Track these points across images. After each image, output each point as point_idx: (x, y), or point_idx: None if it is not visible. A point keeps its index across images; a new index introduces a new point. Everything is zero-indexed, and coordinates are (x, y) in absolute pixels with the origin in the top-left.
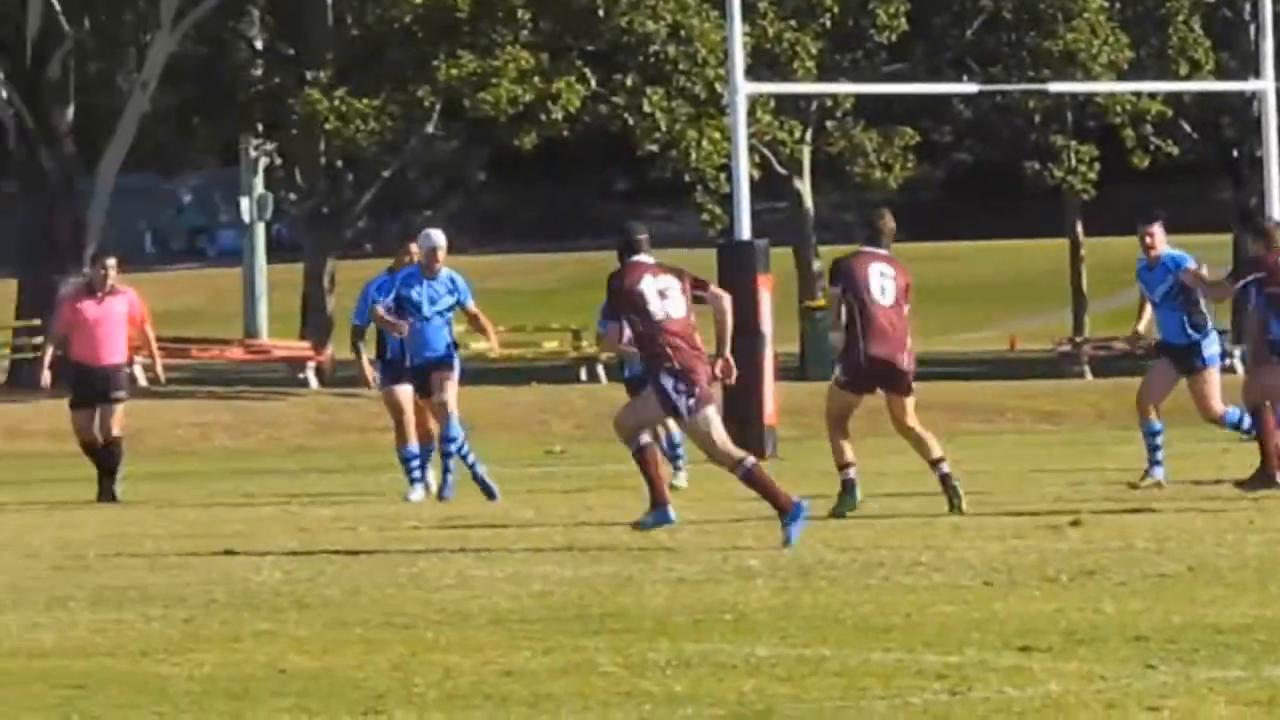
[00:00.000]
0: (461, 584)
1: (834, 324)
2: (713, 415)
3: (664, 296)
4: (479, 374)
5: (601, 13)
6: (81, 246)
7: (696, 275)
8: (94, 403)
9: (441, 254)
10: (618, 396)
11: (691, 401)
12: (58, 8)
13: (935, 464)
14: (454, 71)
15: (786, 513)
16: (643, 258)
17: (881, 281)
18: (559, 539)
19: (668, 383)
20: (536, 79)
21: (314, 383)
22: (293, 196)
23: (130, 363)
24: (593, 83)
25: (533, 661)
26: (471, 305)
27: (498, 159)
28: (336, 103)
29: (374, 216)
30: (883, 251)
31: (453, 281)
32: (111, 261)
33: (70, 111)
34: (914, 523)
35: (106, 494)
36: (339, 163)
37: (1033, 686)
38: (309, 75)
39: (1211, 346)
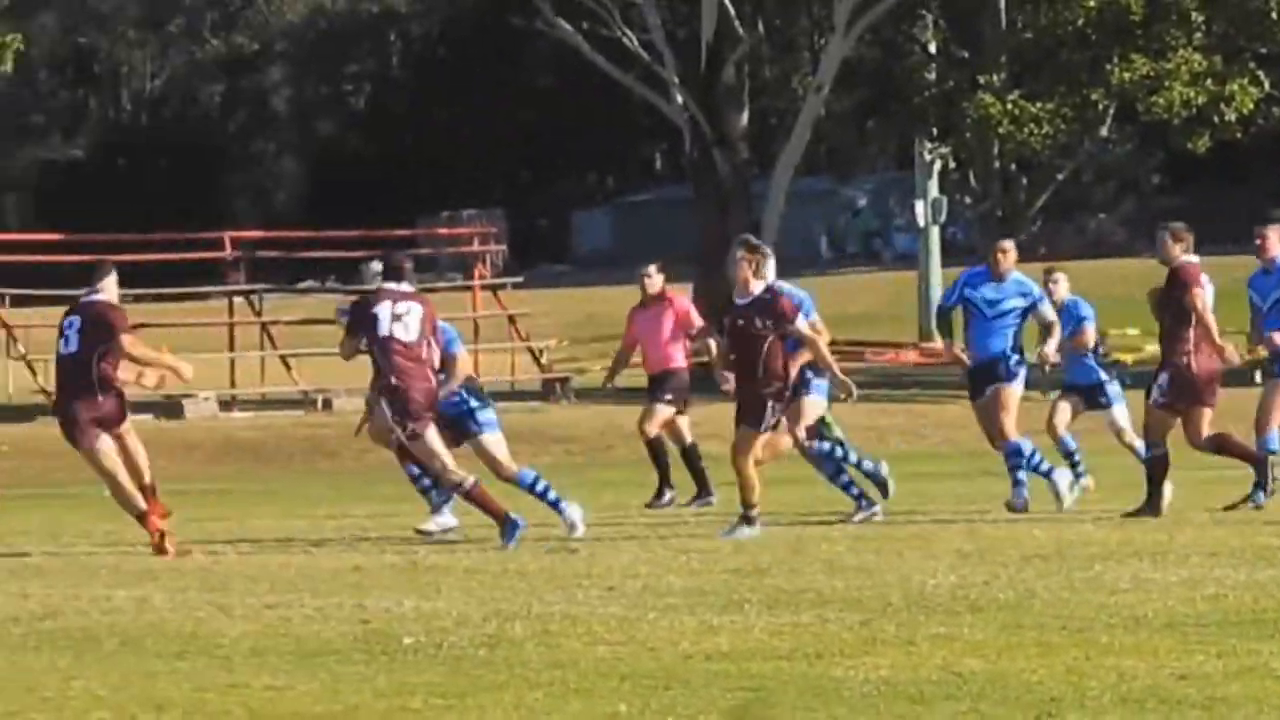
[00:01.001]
0: (1136, 587)
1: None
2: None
3: (397, 319)
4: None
5: (1275, 15)
6: None
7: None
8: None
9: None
10: None
11: (413, 425)
12: (732, 12)
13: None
14: (1126, 74)
15: (503, 525)
16: (392, 285)
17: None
18: (1234, 542)
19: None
20: (1209, 81)
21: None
22: (967, 199)
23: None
24: (1266, 85)
25: (1206, 665)
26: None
27: (1172, 162)
28: (1010, 106)
29: (1048, 219)
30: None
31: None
32: (651, 268)
33: (745, 115)
34: None
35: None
36: (1013, 166)
37: None
38: (982, 79)
39: None
